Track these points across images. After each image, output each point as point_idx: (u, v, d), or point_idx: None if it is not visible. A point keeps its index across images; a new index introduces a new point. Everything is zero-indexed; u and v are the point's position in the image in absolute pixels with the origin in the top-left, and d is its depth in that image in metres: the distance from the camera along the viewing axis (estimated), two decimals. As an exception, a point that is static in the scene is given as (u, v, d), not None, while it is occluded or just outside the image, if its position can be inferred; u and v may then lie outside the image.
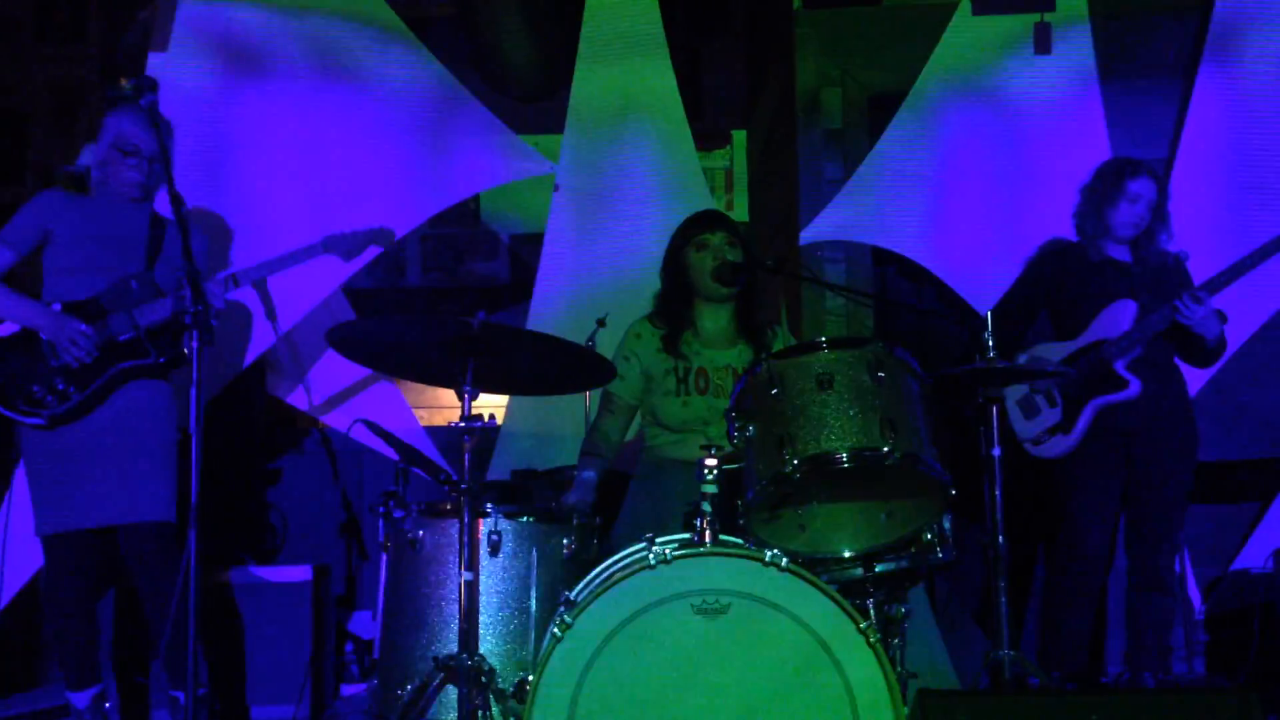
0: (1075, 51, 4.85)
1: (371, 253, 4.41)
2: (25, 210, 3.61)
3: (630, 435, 3.66)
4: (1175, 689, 3.77)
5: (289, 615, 4.22)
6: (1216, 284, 3.75)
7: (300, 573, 4.28)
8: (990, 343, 3.12)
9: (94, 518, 3.48)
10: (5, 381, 3.48)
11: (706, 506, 2.66)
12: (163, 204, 3.43)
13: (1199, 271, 3.98)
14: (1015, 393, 3.94)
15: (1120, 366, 3.80)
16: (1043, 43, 4.81)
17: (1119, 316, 3.84)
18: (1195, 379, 4.17)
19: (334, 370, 4.82)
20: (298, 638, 4.21)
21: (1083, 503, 3.85)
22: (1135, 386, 3.78)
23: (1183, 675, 4.40)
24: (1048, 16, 4.83)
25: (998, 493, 3.20)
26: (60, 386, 3.47)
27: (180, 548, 3.00)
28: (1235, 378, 4.72)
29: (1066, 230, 4.10)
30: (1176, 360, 3.95)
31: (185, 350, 2.87)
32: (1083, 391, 3.84)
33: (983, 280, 4.83)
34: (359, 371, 4.81)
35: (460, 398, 2.87)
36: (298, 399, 4.90)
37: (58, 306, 3.52)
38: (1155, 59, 5.05)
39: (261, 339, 4.64)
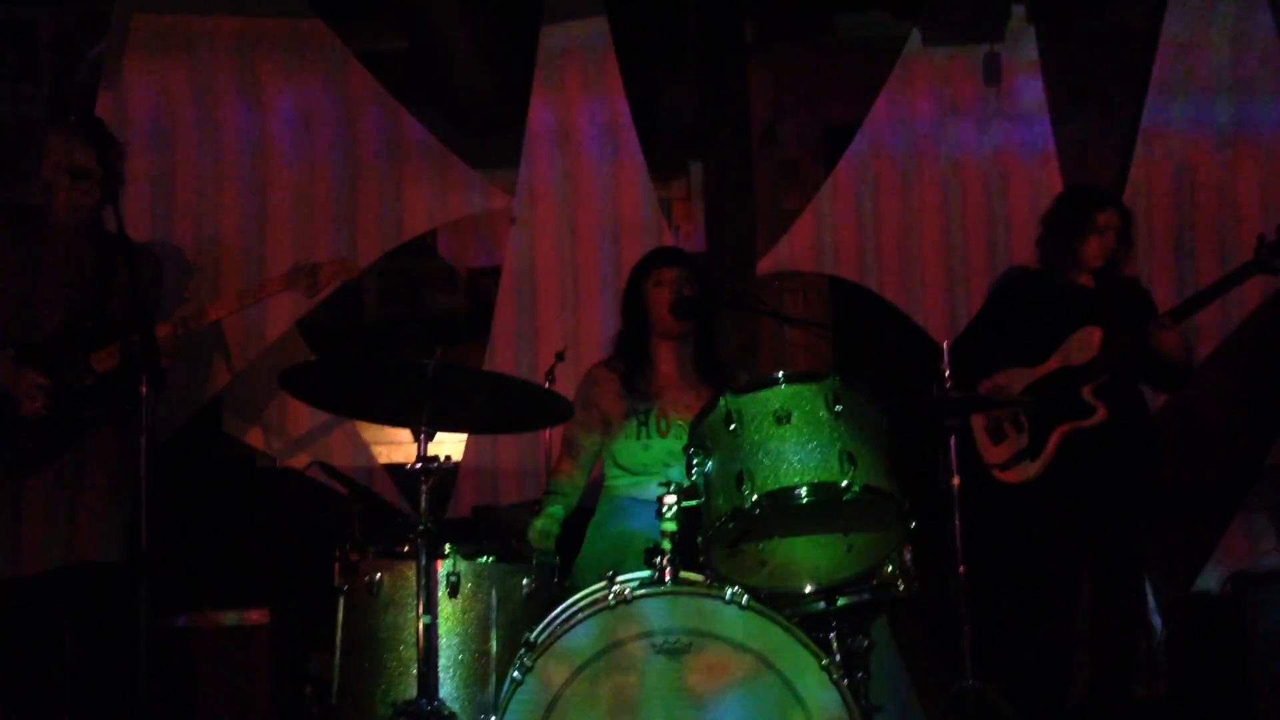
0: (1025, 80, 4.92)
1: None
2: None
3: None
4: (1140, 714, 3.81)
5: (245, 659, 4.15)
6: (1183, 312, 3.80)
7: (258, 615, 4.21)
8: (947, 372, 3.13)
9: (41, 561, 3.38)
10: None
11: (666, 544, 2.64)
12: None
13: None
14: (982, 419, 3.96)
15: (1086, 393, 3.83)
16: (992, 72, 4.87)
17: (1084, 343, 3.87)
18: (1152, 400, 4.21)
19: (289, 409, 4.77)
20: (255, 681, 4.14)
21: (1049, 528, 3.88)
22: (1101, 413, 3.81)
23: (1145, 698, 4.42)
24: (996, 46, 4.89)
25: (958, 522, 3.21)
26: (18, 439, 3.36)
27: (128, 592, 2.93)
28: (1190, 400, 4.78)
29: (1022, 258, 4.14)
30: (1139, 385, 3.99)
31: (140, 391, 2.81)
32: (1049, 418, 3.86)
33: (940, 309, 4.87)
34: (316, 410, 4.76)
35: (417, 438, 2.84)
36: (254, 438, 4.84)
37: (11, 352, 3.40)
38: (1105, 84, 5.13)
39: (216, 377, 4.59)
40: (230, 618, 4.19)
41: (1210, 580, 4.59)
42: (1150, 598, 4.54)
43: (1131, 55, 4.99)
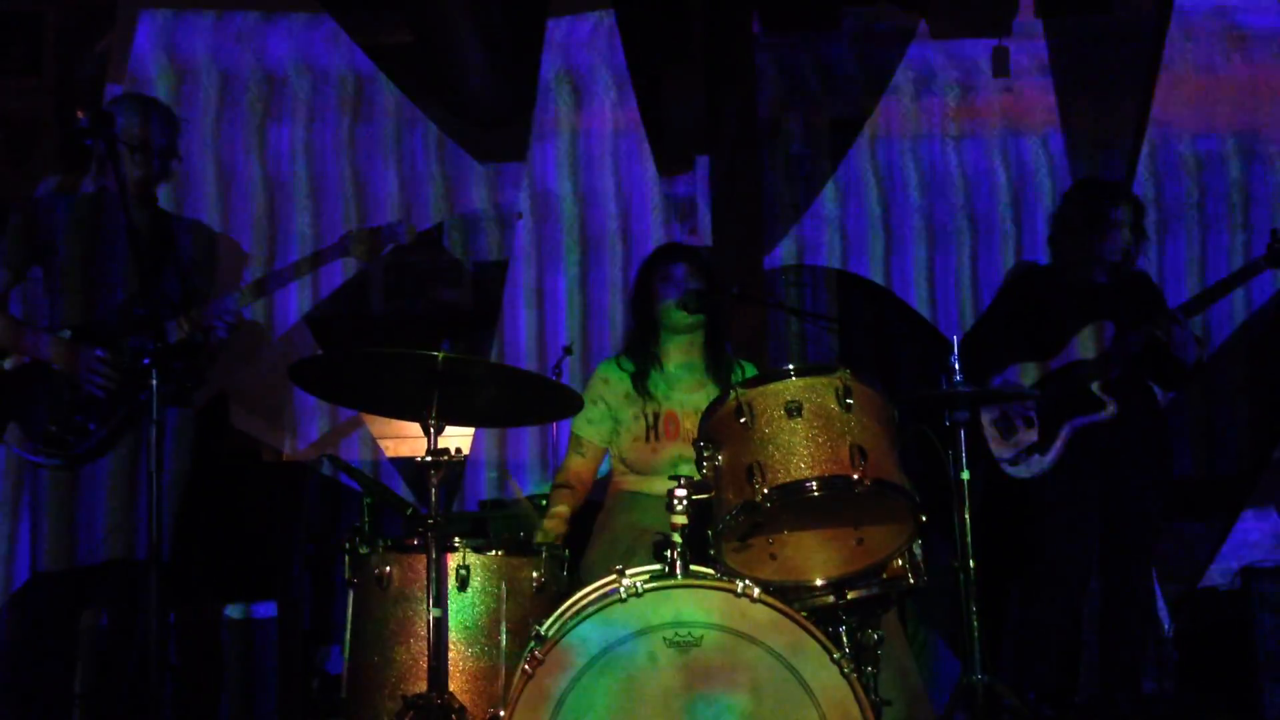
0: (1033, 74, 4.91)
1: (336, 277, 4.37)
2: (17, 224, 3.38)
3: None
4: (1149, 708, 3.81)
5: (255, 651, 4.16)
6: (1194, 307, 3.80)
7: (267, 609, 4.22)
8: (957, 366, 3.13)
9: (101, 553, 3.29)
10: (20, 420, 3.26)
11: (676, 537, 2.64)
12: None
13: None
14: (992, 413, 3.95)
15: (1097, 387, 3.83)
16: (1000, 66, 4.87)
17: (1096, 338, 3.87)
18: (1163, 395, 4.21)
19: (298, 402, 4.77)
20: (265, 674, 4.14)
21: (1059, 522, 3.87)
22: (1112, 408, 3.81)
23: (1153, 693, 4.42)
24: (1005, 41, 4.89)
25: (967, 516, 3.21)
26: (79, 421, 3.26)
27: (167, 586, 2.90)
28: (1197, 396, 4.78)
29: (1029, 253, 4.14)
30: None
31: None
32: (1059, 412, 3.85)
33: (946, 303, 4.87)
34: (325, 403, 4.76)
35: (426, 432, 2.83)
36: (261, 432, 4.84)
37: (67, 334, 3.32)
38: (1112, 81, 5.12)
39: (228, 371, 4.59)
40: (237, 611, 4.20)
41: (1218, 575, 4.59)
42: (1159, 592, 4.54)
43: (1139, 49, 4.99)
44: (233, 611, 4.17)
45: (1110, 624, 3.91)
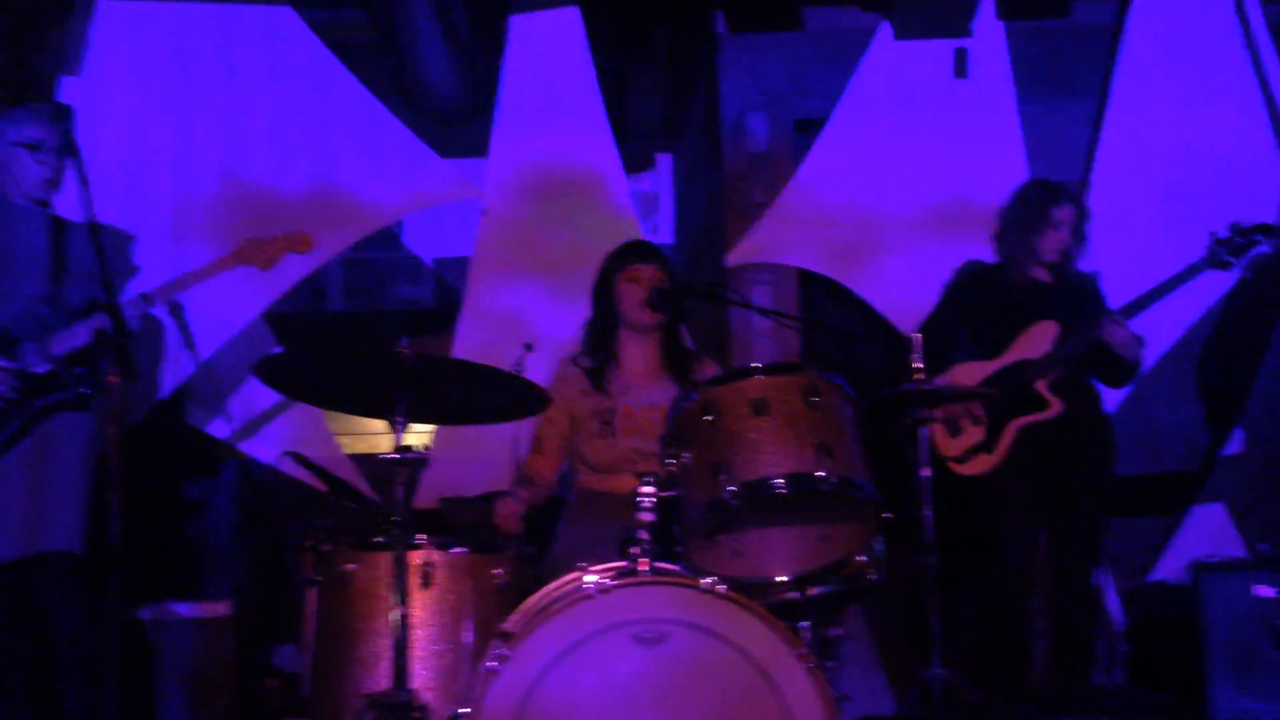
0: (993, 76, 4.97)
1: (295, 273, 4.34)
2: None
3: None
4: (1101, 702, 3.86)
5: (210, 651, 4.11)
6: (1136, 308, 3.85)
7: (221, 607, 4.17)
8: (918, 365, 3.16)
9: (3, 551, 3.33)
10: None
11: (643, 534, 2.65)
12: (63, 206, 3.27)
13: (1110, 291, 4.08)
14: (940, 411, 4.00)
15: (1042, 387, 3.88)
16: (961, 67, 4.92)
17: (1040, 337, 3.92)
18: (1111, 396, 4.27)
19: (255, 399, 4.73)
20: (220, 673, 4.10)
21: (1007, 519, 3.91)
22: (1057, 407, 3.86)
23: (1104, 686, 4.48)
24: (966, 42, 4.94)
25: (928, 513, 3.24)
26: None
27: (90, 583, 2.89)
28: (1149, 394, 4.85)
29: (989, 252, 4.17)
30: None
31: (106, 379, 2.77)
32: (1005, 411, 3.90)
33: (907, 303, 4.90)
34: (282, 399, 4.72)
35: (392, 429, 2.82)
36: (218, 429, 4.79)
37: None
38: (1070, 83, 5.19)
39: (180, 368, 4.54)
40: (193, 610, 4.15)
41: (1168, 570, 4.66)
42: (1111, 586, 4.61)
43: (1097, 53, 5.06)
44: (184, 609, 4.13)
45: (1060, 618, 3.96)
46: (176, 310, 4.13)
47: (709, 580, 2.56)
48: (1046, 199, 3.98)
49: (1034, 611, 4.09)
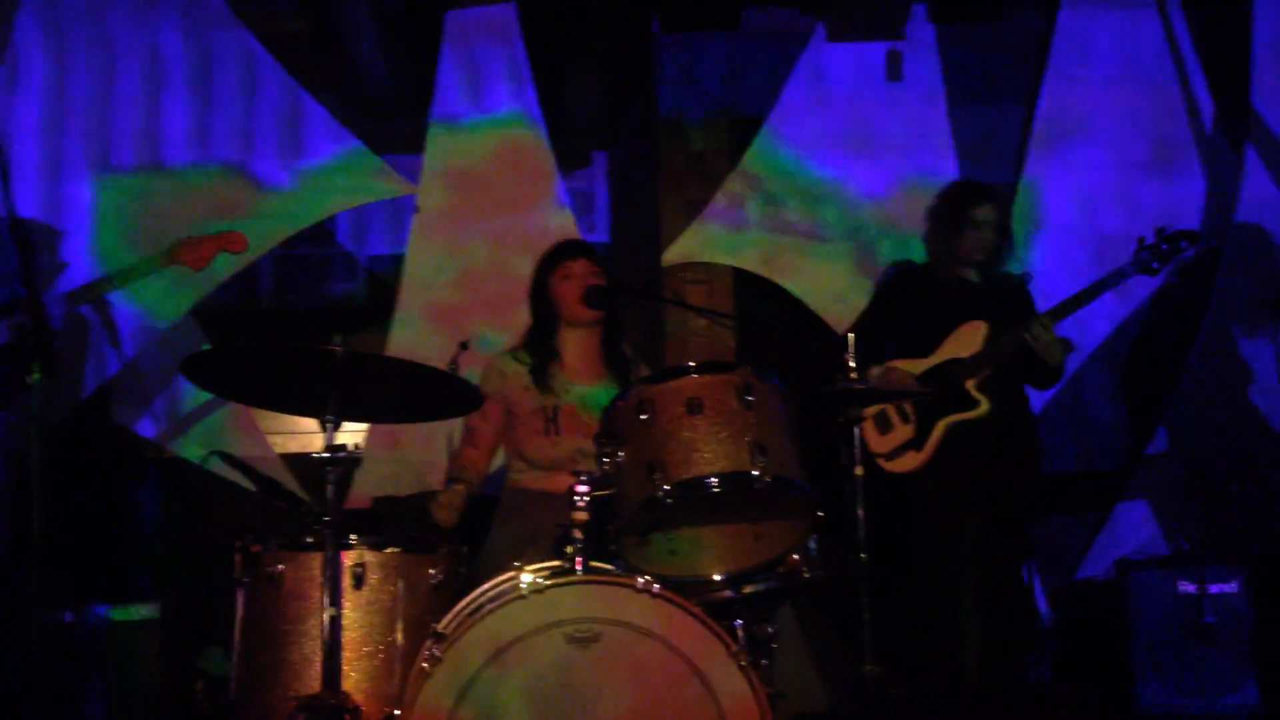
0: (925, 78, 5.03)
1: (225, 270, 4.26)
2: None
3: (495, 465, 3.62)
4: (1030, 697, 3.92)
5: (135, 654, 4.03)
6: (1062, 311, 3.90)
7: (147, 609, 4.09)
8: (852, 364, 3.18)
9: None
10: None
11: (577, 533, 2.64)
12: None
13: (1039, 293, 4.15)
14: (871, 409, 4.03)
15: (971, 386, 3.93)
16: (894, 70, 4.97)
17: (970, 337, 3.96)
18: (1039, 395, 4.34)
19: (183, 397, 4.64)
20: (145, 677, 4.02)
21: (937, 516, 3.96)
22: (985, 406, 3.91)
23: (1032, 681, 4.55)
24: (899, 44, 4.99)
25: (860, 510, 3.26)
26: None
27: (10, 584, 2.82)
28: (1074, 394, 4.94)
29: (921, 252, 4.22)
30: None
31: (26, 378, 2.69)
32: (934, 410, 3.94)
33: (840, 302, 4.95)
34: (210, 397, 4.64)
35: (323, 427, 2.78)
36: (144, 427, 4.70)
37: None
38: (1001, 87, 5.27)
39: (106, 366, 4.44)
40: (118, 613, 4.07)
41: (1095, 567, 4.75)
42: (1038, 583, 4.68)
43: (1027, 56, 5.14)
44: (108, 612, 4.04)
45: (989, 615, 4.00)
46: (103, 307, 4.03)
47: (643, 579, 2.55)
48: (966, 199, 4.03)
49: (963, 608, 4.14)
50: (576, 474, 2.70)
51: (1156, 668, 3.94)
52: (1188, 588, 3.95)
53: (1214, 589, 3.93)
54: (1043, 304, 4.05)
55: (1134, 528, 4.83)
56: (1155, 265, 3.90)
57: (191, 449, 4.68)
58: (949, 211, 4.05)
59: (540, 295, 3.62)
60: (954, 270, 4.06)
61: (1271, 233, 4.73)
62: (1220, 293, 4.78)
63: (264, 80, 4.73)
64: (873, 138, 5.06)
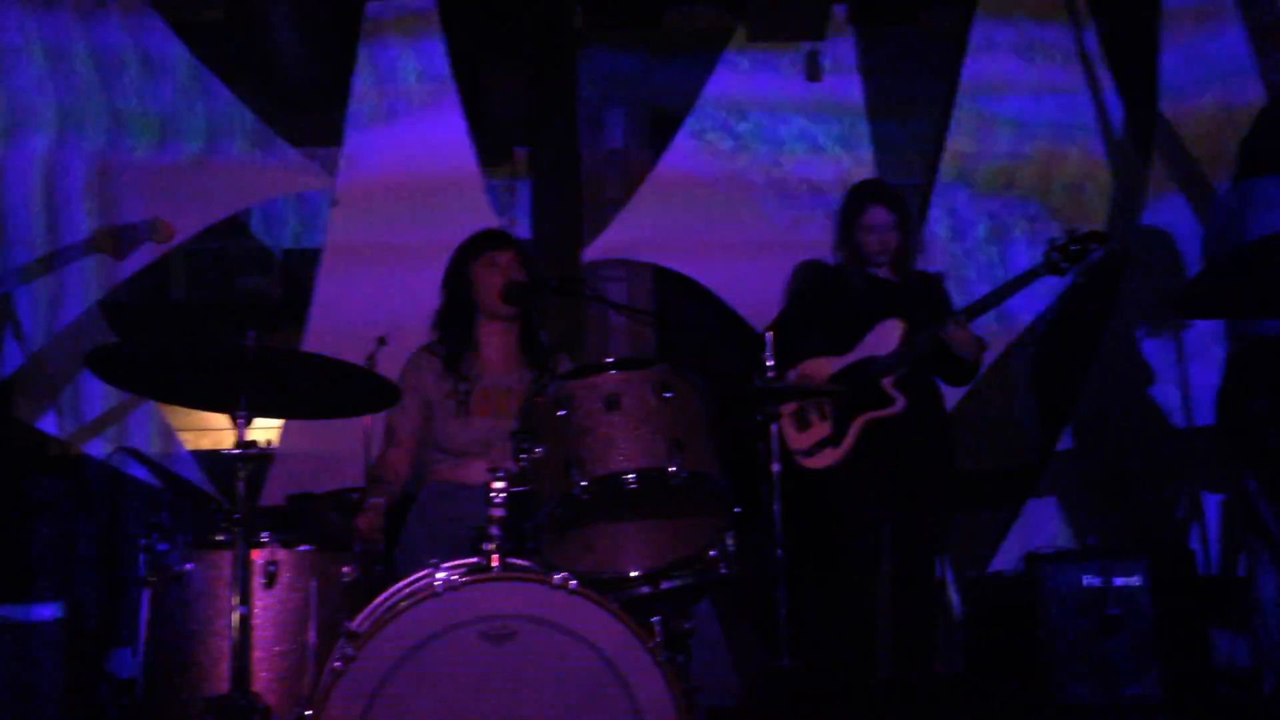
0: (844, 78, 5.09)
1: (132, 262, 4.16)
2: None
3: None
4: (944, 689, 3.98)
5: (37, 656, 3.91)
6: (976, 310, 3.97)
7: (49, 610, 3.98)
8: (770, 362, 3.21)
9: None
10: None
11: (494, 530, 2.62)
12: None
13: (953, 291, 4.22)
14: (790, 406, 4.06)
15: (887, 384, 3.98)
16: (813, 70, 5.02)
17: (886, 335, 4.01)
18: (952, 392, 4.42)
19: (89, 392, 4.52)
20: (47, 680, 3.91)
21: (852, 512, 4.00)
22: (900, 403, 3.96)
23: (945, 671, 4.62)
24: (817, 45, 5.04)
25: (777, 506, 3.29)
26: None
27: None
28: (987, 392, 5.03)
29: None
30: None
31: None
32: (851, 407, 3.99)
33: (760, 299, 4.98)
34: (117, 393, 4.52)
35: (234, 423, 2.73)
36: (47, 423, 4.57)
37: None
38: (917, 89, 5.35)
39: (7, 359, 4.31)
40: (18, 613, 3.95)
41: (1005, 560, 4.84)
42: (949, 577, 4.77)
43: (943, 58, 5.23)
44: (8, 613, 3.92)
45: (903, 609, 4.06)
46: (4, 299, 3.91)
47: (560, 576, 2.54)
48: (863, 200, 4.08)
49: (878, 602, 4.20)
50: (493, 466, 2.68)
51: (1064, 659, 4.02)
52: (1093, 581, 4.03)
53: (1118, 582, 4.02)
54: (956, 303, 4.12)
55: (1044, 523, 4.93)
56: (1064, 265, 3.97)
57: (97, 445, 4.55)
58: (846, 212, 4.11)
59: (458, 281, 3.57)
60: (860, 269, 4.10)
61: (1175, 237, 4.86)
62: (1125, 294, 4.90)
63: (176, 68, 4.62)
64: (792, 136, 5.10)
